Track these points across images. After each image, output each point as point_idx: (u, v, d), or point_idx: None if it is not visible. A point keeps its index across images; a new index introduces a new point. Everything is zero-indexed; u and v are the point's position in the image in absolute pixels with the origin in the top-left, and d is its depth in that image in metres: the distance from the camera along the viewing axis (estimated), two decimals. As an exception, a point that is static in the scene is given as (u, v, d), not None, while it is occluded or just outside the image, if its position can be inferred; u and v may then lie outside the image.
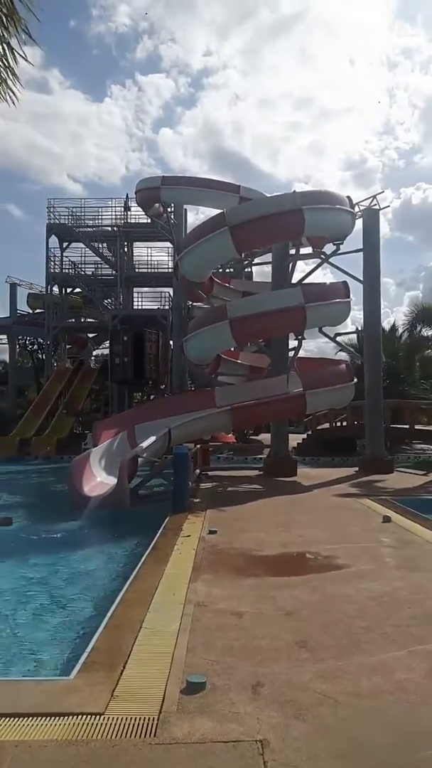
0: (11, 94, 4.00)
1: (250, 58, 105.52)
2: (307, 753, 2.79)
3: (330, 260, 17.08)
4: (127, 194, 31.18)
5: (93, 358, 36.31)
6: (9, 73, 3.95)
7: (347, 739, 2.93)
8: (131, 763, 2.74)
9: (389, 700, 3.32)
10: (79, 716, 3.18)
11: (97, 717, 3.17)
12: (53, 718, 3.17)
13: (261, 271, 24.49)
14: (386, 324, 31.13)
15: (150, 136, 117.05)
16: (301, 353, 16.59)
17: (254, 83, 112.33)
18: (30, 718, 3.17)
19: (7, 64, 3.90)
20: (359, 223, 16.79)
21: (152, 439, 12.44)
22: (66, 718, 3.17)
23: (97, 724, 3.10)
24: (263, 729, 3.00)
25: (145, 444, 12.15)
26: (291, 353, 16.08)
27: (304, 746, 2.85)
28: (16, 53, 3.91)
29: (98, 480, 11.68)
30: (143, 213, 25.91)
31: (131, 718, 3.14)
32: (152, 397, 31.24)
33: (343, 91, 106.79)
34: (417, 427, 22.71)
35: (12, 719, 3.16)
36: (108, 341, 30.17)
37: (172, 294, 27.91)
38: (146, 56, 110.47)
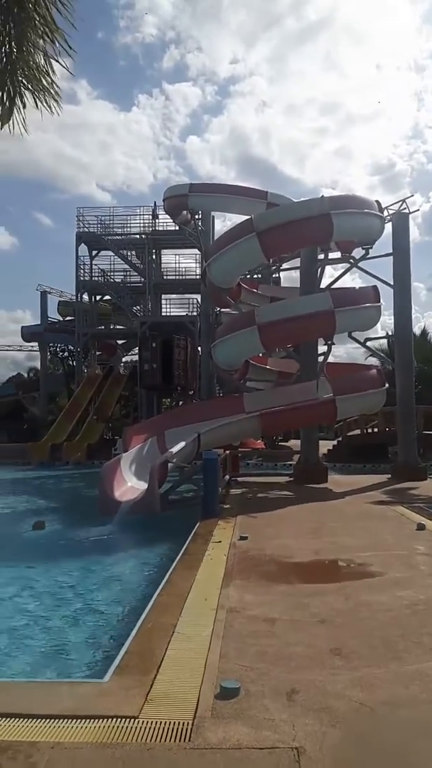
0: (54, 104, 4.07)
1: (276, 65, 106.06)
2: (344, 761, 2.75)
3: (359, 265, 16.94)
4: (155, 202, 31.55)
5: (122, 364, 36.69)
6: (48, 81, 4.02)
7: (385, 749, 2.87)
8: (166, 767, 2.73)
9: (427, 710, 3.25)
10: (114, 719, 3.18)
11: (132, 720, 3.17)
12: (88, 720, 3.18)
13: (289, 277, 24.43)
14: (417, 329, 30.73)
15: (177, 144, 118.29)
16: (330, 359, 16.47)
17: (281, 90, 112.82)
18: (65, 720, 3.18)
19: (45, 71, 3.97)
20: (389, 227, 16.63)
21: (182, 444, 12.47)
22: (100, 720, 3.17)
23: (131, 728, 3.10)
24: (299, 736, 2.97)
25: (174, 449, 12.18)
26: (320, 358, 15.96)
27: (341, 755, 2.80)
28: (53, 61, 3.99)
29: (129, 485, 11.75)
30: (171, 220, 26.12)
31: (165, 723, 3.14)
32: (181, 402, 31.37)
33: (370, 95, 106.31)
34: (450, 433, 22.29)
35: (47, 720, 3.18)
36: (137, 348, 30.46)
37: (200, 300, 28.02)
38: (173, 65, 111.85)
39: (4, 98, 3.97)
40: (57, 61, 3.97)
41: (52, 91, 4.01)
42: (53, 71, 3.98)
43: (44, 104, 3.98)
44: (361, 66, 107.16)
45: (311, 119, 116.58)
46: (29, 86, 4.05)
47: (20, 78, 4.09)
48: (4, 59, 4.04)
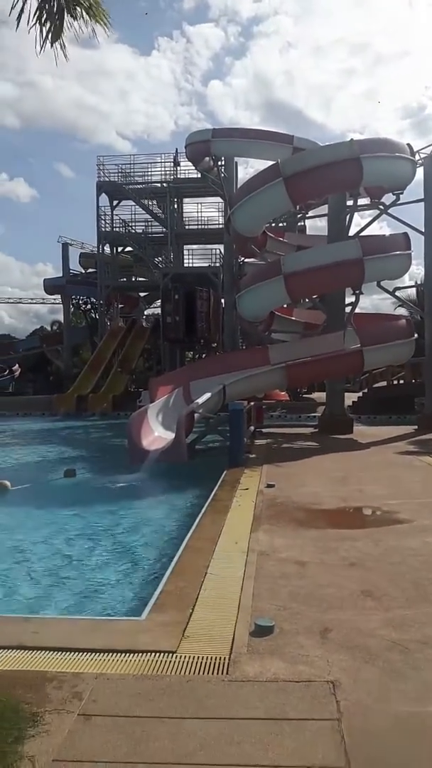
0: (103, 24, 3.92)
1: (302, 2, 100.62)
2: (379, 694, 2.82)
3: (389, 211, 16.39)
4: (177, 149, 30.77)
5: (144, 317, 36.65)
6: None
7: (418, 683, 2.93)
8: (206, 697, 2.83)
9: (461, 649, 3.30)
10: (153, 654, 3.30)
11: (170, 655, 3.28)
12: (128, 654, 3.30)
13: (314, 225, 23.93)
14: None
15: (199, 89, 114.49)
16: (357, 310, 16.16)
17: (306, 30, 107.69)
18: (107, 654, 3.31)
19: None
20: (420, 172, 15.98)
21: (207, 395, 12.51)
22: (140, 655, 3.29)
23: (170, 662, 3.20)
24: (334, 671, 3.04)
25: (200, 400, 12.24)
26: (348, 309, 15.69)
27: (376, 688, 2.87)
28: None
29: (156, 434, 11.90)
30: (193, 168, 25.48)
31: (203, 657, 3.24)
32: (204, 355, 31.36)
33: (401, 35, 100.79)
34: None
35: (90, 654, 3.31)
36: (159, 300, 30.31)
37: (222, 251, 27.57)
38: (194, 6, 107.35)
39: (53, 10, 3.83)
40: None
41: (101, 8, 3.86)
42: None
43: (96, 19, 3.82)
44: (391, 3, 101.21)
45: (338, 60, 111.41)
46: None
47: None
48: None
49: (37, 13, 4.60)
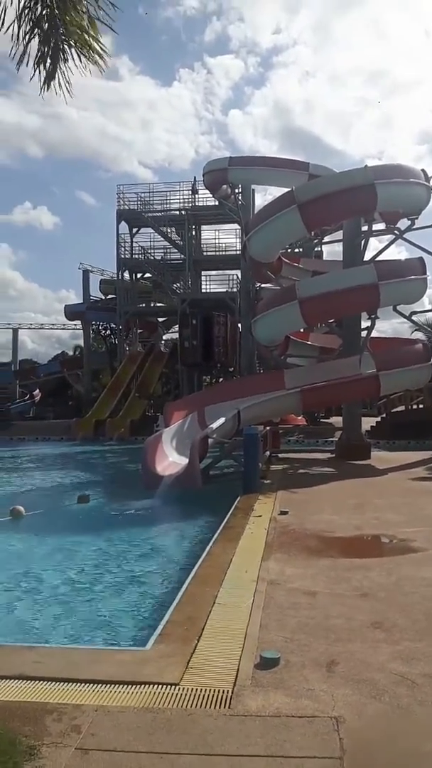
0: (99, 61, 4.00)
1: (320, 33, 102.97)
2: (385, 731, 2.74)
3: (405, 236, 16.41)
4: (195, 177, 31.29)
5: (163, 342, 36.92)
6: (91, 37, 3.96)
7: (425, 720, 2.84)
8: (206, 733, 2.77)
9: (471, 685, 3.19)
10: (155, 686, 3.25)
11: (173, 687, 3.23)
12: (130, 686, 3.25)
13: (332, 251, 24.00)
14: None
15: (219, 118, 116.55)
16: (375, 334, 16.12)
17: (325, 58, 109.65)
18: (108, 685, 3.26)
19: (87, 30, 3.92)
20: (435, 197, 16.01)
21: (222, 420, 12.49)
22: (142, 686, 3.24)
23: (172, 694, 3.15)
24: (338, 706, 2.96)
25: (215, 425, 12.22)
26: (364, 333, 15.64)
27: (381, 725, 2.79)
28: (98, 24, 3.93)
29: (170, 460, 11.88)
30: (211, 196, 25.85)
31: (206, 690, 3.18)
32: (221, 379, 31.41)
33: (418, 62, 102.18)
34: None
35: (91, 685, 3.26)
36: (177, 325, 30.54)
37: (239, 276, 27.78)
38: (215, 38, 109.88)
39: (47, 55, 3.94)
40: (99, 20, 3.91)
41: (97, 46, 3.95)
42: (97, 30, 3.91)
43: (89, 60, 3.91)
44: (408, 32, 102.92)
45: (356, 88, 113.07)
46: (72, 42, 4.01)
47: (62, 35, 4.04)
48: (46, 16, 4.00)
49: (37, 56, 4.70)
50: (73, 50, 3.99)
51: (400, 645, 3.73)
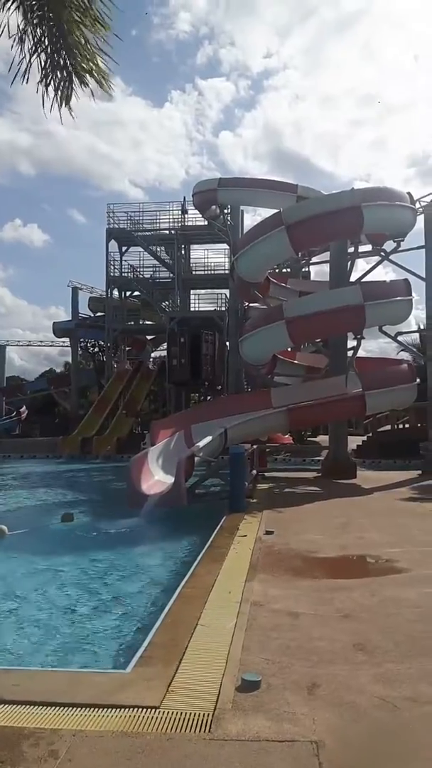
0: (104, 83, 4.13)
1: (311, 57, 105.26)
2: (364, 756, 2.72)
3: (391, 258, 16.67)
4: (184, 197, 31.63)
5: (151, 359, 36.94)
6: (95, 63, 4.09)
7: (407, 744, 2.83)
8: (185, 757, 2.74)
9: (452, 708, 3.19)
10: (135, 709, 3.20)
11: (153, 711, 3.19)
12: (109, 710, 3.20)
13: (320, 271, 24.20)
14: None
15: (210, 139, 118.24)
16: (362, 353, 16.27)
17: (315, 82, 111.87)
18: (87, 709, 3.21)
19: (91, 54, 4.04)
20: (421, 220, 16.32)
21: (208, 438, 12.49)
22: (122, 710, 3.20)
23: (152, 718, 3.11)
24: (319, 730, 2.94)
25: (201, 443, 12.21)
26: (350, 353, 15.78)
27: (362, 749, 2.77)
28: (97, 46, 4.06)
29: (156, 478, 11.82)
30: (200, 216, 26.11)
31: (186, 714, 3.14)
32: (209, 397, 31.43)
33: (407, 86, 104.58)
34: None
35: (70, 709, 3.21)
36: (166, 343, 30.60)
37: (228, 295, 27.98)
38: (206, 61, 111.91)
39: (62, 79, 4.05)
40: (99, 49, 4.04)
41: (100, 69, 4.07)
42: (98, 53, 4.04)
43: (96, 82, 4.03)
44: (398, 55, 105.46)
45: (346, 110, 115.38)
46: (80, 65, 4.13)
47: (71, 59, 4.16)
48: (58, 41, 4.12)
49: (42, 74, 4.85)
50: (83, 74, 4.11)
51: (381, 667, 3.72)
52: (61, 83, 4.50)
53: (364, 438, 24.38)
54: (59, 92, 4.20)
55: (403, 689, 3.40)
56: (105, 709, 3.21)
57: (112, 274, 32.68)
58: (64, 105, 4.59)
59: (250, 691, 3.38)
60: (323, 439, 24.23)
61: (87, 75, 4.39)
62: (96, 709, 3.21)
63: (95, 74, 4.05)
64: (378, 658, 3.87)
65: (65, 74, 4.09)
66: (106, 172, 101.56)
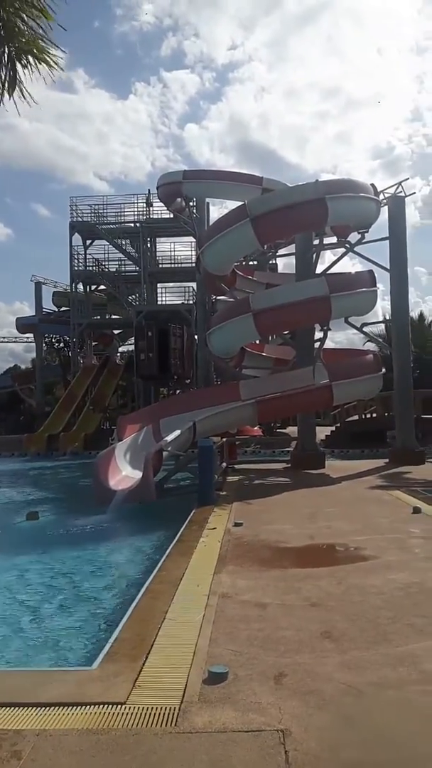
0: (53, 65, 4.01)
1: (276, 50, 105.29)
2: (329, 743, 2.73)
3: (356, 249, 16.81)
4: (149, 190, 31.38)
5: (119, 354, 36.61)
6: (42, 46, 3.99)
7: (370, 730, 2.85)
8: (151, 752, 2.72)
9: (415, 691, 3.23)
10: (101, 705, 3.17)
11: (119, 706, 3.16)
12: (75, 707, 3.17)
13: (288, 263, 24.34)
14: (415, 314, 30.71)
15: (176, 132, 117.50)
16: (330, 344, 16.42)
17: (280, 75, 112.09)
18: (51, 708, 3.17)
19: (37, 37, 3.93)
20: (385, 211, 16.50)
21: (177, 432, 12.44)
22: (87, 707, 3.16)
23: (118, 714, 3.08)
24: (285, 719, 2.95)
25: (169, 438, 12.16)
26: (317, 344, 15.89)
27: (327, 736, 2.79)
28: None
29: (123, 474, 11.72)
30: (166, 208, 25.93)
31: (153, 708, 3.12)
32: (178, 391, 31.33)
33: (371, 79, 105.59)
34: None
35: (34, 709, 3.17)
36: (133, 337, 30.36)
37: (195, 288, 27.89)
38: (170, 53, 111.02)
39: (5, 65, 3.94)
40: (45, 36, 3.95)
41: (48, 56, 3.96)
42: (47, 38, 3.94)
43: (44, 64, 3.92)
44: (362, 49, 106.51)
45: (311, 103, 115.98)
46: (26, 50, 4.01)
47: (15, 44, 4.04)
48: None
49: None
50: (29, 57, 3.99)
51: (348, 654, 3.75)
52: (6, 69, 4.36)
53: (333, 428, 24.67)
54: (6, 78, 4.06)
55: (368, 675, 3.43)
56: (70, 707, 3.17)
57: (76, 268, 32.21)
58: (11, 92, 4.45)
59: (217, 683, 3.38)
60: (293, 430, 24.44)
61: (30, 57, 4.27)
62: (61, 708, 3.17)
63: (37, 54, 3.94)
64: (344, 645, 3.90)
65: (5, 59, 3.97)
66: (70, 165, 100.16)
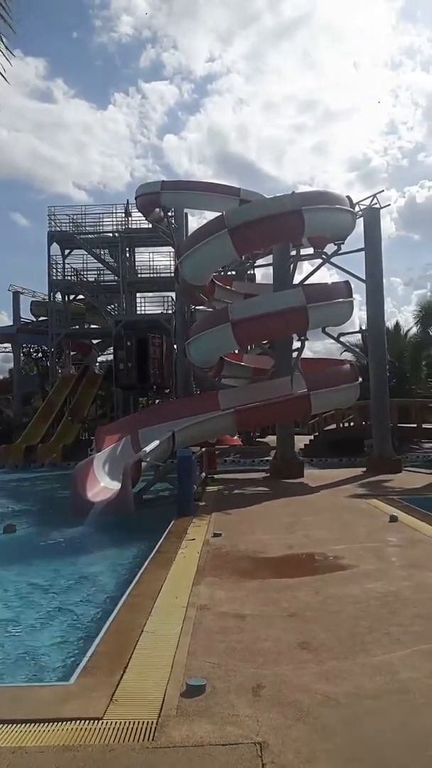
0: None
1: (253, 63, 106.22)
2: (307, 754, 2.74)
3: (333, 260, 17.01)
4: (128, 200, 31.32)
5: (97, 364, 36.38)
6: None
7: (348, 740, 2.87)
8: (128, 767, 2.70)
9: (392, 700, 3.26)
10: (78, 721, 3.14)
11: (96, 722, 3.13)
12: (51, 724, 3.13)
13: (266, 273, 24.45)
14: (391, 324, 31.08)
15: (155, 142, 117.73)
16: (309, 354, 16.58)
17: (258, 87, 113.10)
18: (28, 724, 3.13)
19: None
20: (360, 223, 16.74)
21: (156, 443, 12.40)
22: (64, 723, 3.13)
23: (95, 729, 3.06)
24: (263, 731, 2.95)
25: (148, 448, 12.11)
26: (295, 354, 16.00)
27: (304, 748, 2.80)
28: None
29: (102, 485, 11.64)
30: (144, 218, 25.95)
31: (130, 723, 3.10)
32: (157, 401, 31.21)
33: (347, 92, 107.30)
34: (424, 426, 22.59)
35: (10, 725, 3.12)
36: (112, 347, 30.22)
37: (174, 298, 27.91)
38: (149, 64, 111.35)
39: None
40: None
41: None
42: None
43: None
44: (338, 63, 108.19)
45: (289, 116, 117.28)
46: None
47: None
48: None
49: None
50: None
51: (325, 665, 3.77)
52: None
53: (311, 437, 24.78)
54: None
55: (345, 685, 3.45)
56: (46, 724, 3.14)
57: (54, 277, 32.00)
58: None
59: (195, 695, 3.37)
60: (272, 439, 24.50)
61: None
62: (37, 724, 3.14)
63: None
64: (322, 655, 3.92)
65: None
66: (49, 174, 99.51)
